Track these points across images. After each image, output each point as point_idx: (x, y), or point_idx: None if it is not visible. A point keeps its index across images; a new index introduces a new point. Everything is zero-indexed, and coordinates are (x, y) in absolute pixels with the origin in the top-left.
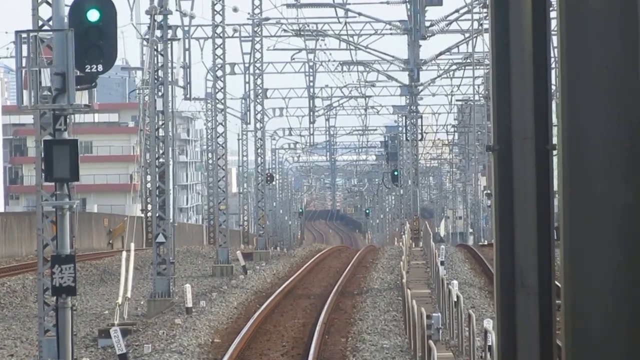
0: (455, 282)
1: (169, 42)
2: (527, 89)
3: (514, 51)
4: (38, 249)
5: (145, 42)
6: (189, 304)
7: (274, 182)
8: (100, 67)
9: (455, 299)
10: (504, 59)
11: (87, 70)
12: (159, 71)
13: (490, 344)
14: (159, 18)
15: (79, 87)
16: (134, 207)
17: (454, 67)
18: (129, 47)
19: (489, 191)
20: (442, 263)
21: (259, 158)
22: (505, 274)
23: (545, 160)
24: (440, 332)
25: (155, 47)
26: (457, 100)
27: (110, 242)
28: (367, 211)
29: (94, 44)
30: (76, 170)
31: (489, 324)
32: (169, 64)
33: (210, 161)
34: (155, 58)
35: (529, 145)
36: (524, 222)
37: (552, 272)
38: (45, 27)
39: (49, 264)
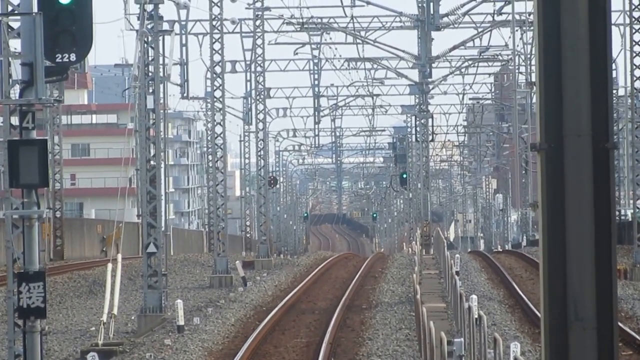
0: (474, 297)
1: (160, 34)
2: (582, 78)
3: (565, 33)
4: (7, 264)
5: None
6: (181, 322)
7: (277, 186)
8: (73, 57)
9: (477, 316)
10: (553, 42)
11: (57, 60)
12: (150, 66)
13: None
14: (150, 8)
15: (48, 79)
16: (126, 212)
17: (466, 63)
18: (129, 46)
19: (533, 201)
20: (457, 273)
21: (261, 160)
22: (556, 303)
23: (605, 161)
24: (463, 359)
25: (146, 40)
26: (470, 99)
27: (104, 249)
28: (375, 215)
29: (65, 29)
30: (46, 175)
31: (516, 347)
32: (160, 58)
33: (211, 163)
34: (146, 52)
35: (585, 143)
36: (578, 238)
37: (614, 302)
38: (17, 12)
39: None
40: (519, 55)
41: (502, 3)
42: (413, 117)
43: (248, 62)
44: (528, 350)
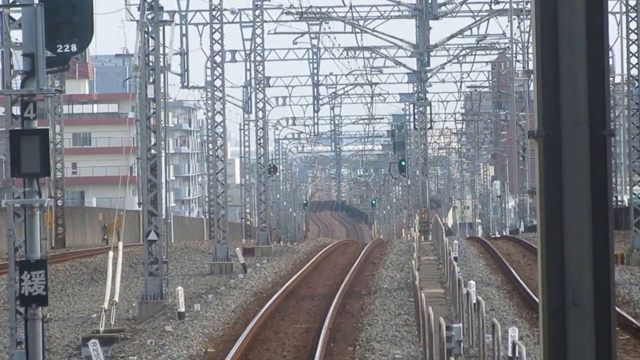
0: (472, 282)
1: (160, 24)
2: (579, 66)
3: (562, 21)
4: (9, 252)
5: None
6: (182, 309)
7: (277, 173)
8: (73, 47)
9: (475, 301)
10: (550, 30)
11: (58, 50)
12: (150, 56)
13: (517, 356)
14: None
15: (50, 69)
16: (127, 201)
17: (464, 51)
18: (130, 36)
19: (531, 188)
20: (455, 259)
21: (261, 148)
22: (553, 289)
23: (602, 148)
24: (462, 344)
25: (146, 30)
26: (467, 87)
27: (105, 237)
28: (374, 202)
29: (66, 20)
30: (47, 164)
31: (514, 332)
32: (161, 48)
33: (211, 152)
34: (147, 42)
35: (582, 130)
36: (576, 225)
37: (612, 287)
38: (18, 3)
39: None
40: (516, 44)
41: None
42: (411, 105)
43: (248, 52)
44: (526, 335)
